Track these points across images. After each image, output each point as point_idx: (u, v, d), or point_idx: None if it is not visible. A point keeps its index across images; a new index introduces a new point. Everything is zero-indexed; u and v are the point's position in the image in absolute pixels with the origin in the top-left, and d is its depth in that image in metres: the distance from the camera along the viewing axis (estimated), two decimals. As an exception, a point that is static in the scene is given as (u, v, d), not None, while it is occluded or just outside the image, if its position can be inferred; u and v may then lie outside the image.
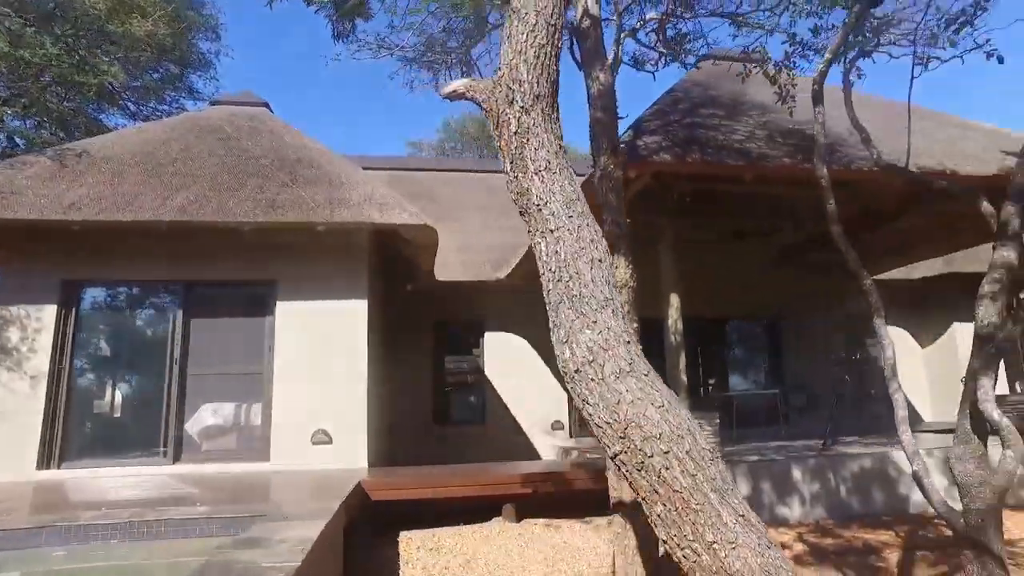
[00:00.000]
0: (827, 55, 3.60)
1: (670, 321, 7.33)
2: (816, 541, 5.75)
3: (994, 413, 2.77)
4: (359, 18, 4.81)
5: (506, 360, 11.80)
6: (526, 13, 1.84)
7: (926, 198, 7.44)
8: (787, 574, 1.25)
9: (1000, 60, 3.78)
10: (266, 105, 10.66)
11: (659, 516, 1.32)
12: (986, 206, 3.45)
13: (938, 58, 4.01)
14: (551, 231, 1.63)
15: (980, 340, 2.99)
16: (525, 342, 12.02)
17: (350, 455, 7.66)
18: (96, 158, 8.14)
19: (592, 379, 1.44)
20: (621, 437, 1.36)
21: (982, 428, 3.10)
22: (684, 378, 7.15)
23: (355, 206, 7.75)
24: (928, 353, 12.49)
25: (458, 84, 1.91)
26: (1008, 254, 3.11)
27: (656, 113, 7.43)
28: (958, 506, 6.91)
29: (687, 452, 1.32)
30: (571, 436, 11.86)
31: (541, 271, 1.64)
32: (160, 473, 7.28)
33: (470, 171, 15.75)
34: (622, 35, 4.63)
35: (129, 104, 13.34)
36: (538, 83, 1.74)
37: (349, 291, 8.16)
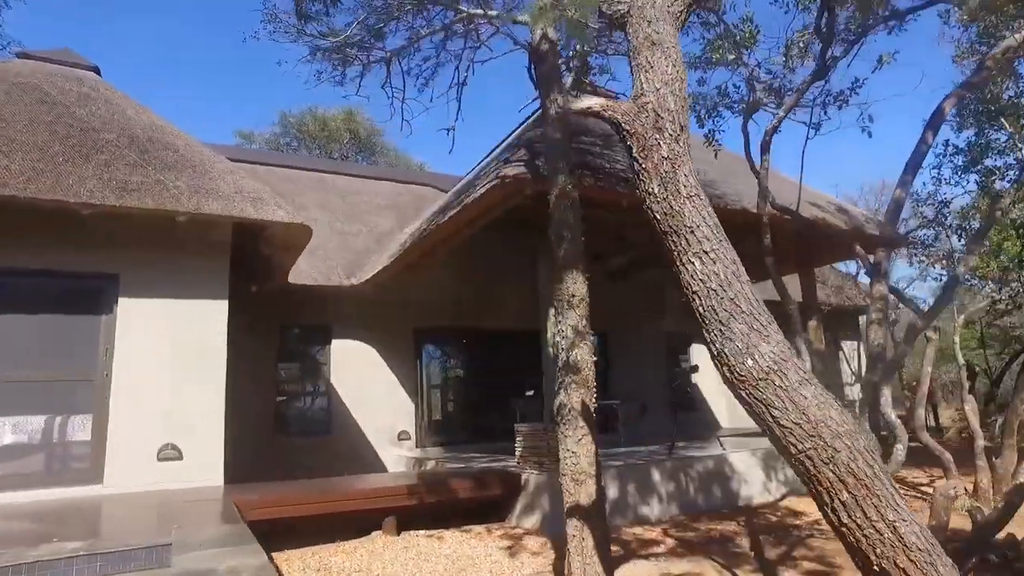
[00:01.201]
0: (780, 113, 4.24)
1: (548, 335, 7.72)
2: (680, 535, 6.46)
3: (892, 416, 3.49)
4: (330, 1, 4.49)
5: (354, 368, 11.42)
6: (667, 47, 1.99)
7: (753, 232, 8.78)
8: (935, 542, 1.55)
9: (869, 135, 4.80)
10: (95, 70, 9.23)
11: (842, 503, 1.55)
12: (859, 249, 4.30)
13: (835, 112, 4.91)
14: (705, 252, 1.79)
15: (873, 359, 3.74)
16: (373, 350, 11.73)
17: (204, 472, 6.90)
18: None
19: (779, 386, 1.63)
20: (811, 435, 1.58)
21: (875, 427, 3.85)
22: (561, 388, 7.58)
23: (226, 198, 7.05)
24: (726, 368, 14.58)
25: (593, 102, 1.99)
26: (882, 288, 3.93)
27: (543, 135, 7.82)
28: (767, 496, 8.06)
29: (863, 447, 1.57)
30: (417, 446, 11.80)
31: (693, 287, 1.79)
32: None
33: (313, 170, 15.00)
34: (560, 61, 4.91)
35: None
36: (681, 114, 1.90)
37: (208, 290, 7.38)
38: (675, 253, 1.84)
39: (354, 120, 22.72)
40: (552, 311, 7.87)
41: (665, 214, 1.85)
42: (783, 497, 8.06)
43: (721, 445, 8.50)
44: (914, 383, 13.49)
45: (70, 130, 7.16)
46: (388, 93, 6.21)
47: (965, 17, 6.77)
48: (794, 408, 1.60)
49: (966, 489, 7.74)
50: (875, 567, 1.54)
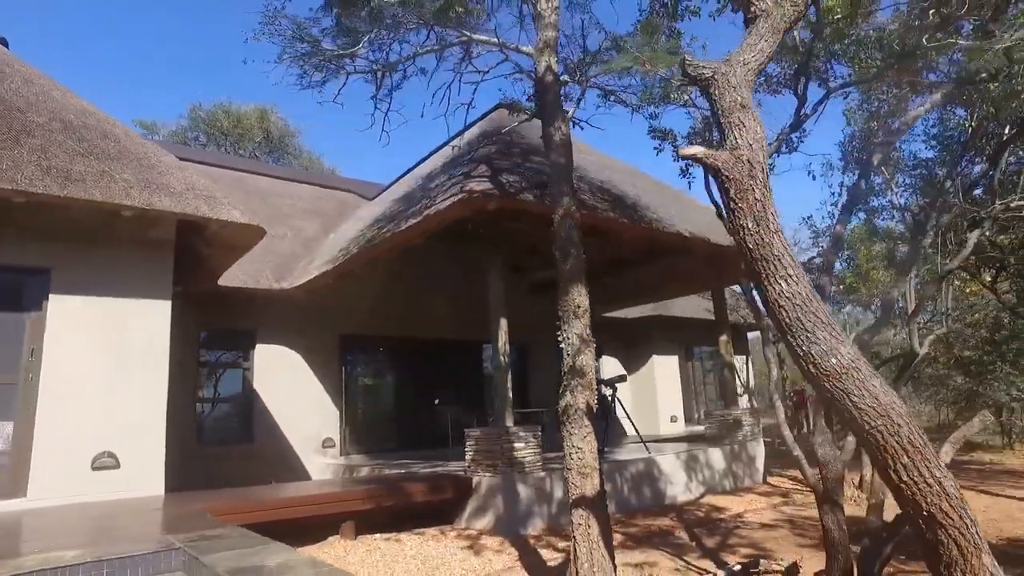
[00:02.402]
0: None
1: (500, 343, 8.08)
2: (624, 530, 7.00)
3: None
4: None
5: (279, 374, 11.14)
6: (751, 110, 2.47)
7: (682, 253, 9.65)
8: (962, 493, 2.10)
9: (813, 177, 5.61)
10: (3, 42, 8.52)
11: (903, 465, 2.06)
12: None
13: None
14: (790, 276, 2.27)
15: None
16: (299, 356, 11.50)
17: (144, 480, 6.58)
18: None
19: (856, 379, 2.13)
20: (881, 415, 2.09)
21: (830, 425, 4.56)
22: (510, 395, 7.96)
23: (178, 195, 6.82)
24: (633, 378, 15.58)
25: (697, 150, 2.40)
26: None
27: (499, 153, 8.21)
28: (689, 495, 8.79)
29: (914, 424, 2.10)
30: (341, 454, 11.67)
31: (780, 303, 2.25)
32: None
33: (231, 169, 14.43)
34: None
35: None
36: (765, 164, 2.37)
37: (150, 288, 7.09)
38: (763, 276, 2.31)
39: (268, 119, 21.82)
40: (503, 321, 8.26)
41: (757, 244, 2.31)
42: (702, 495, 8.88)
43: (647, 449, 9.21)
44: (792, 392, 15.14)
45: (-8, 109, 6.62)
46: (374, 104, 6.35)
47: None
48: (868, 395, 2.11)
49: (853, 482, 8.98)
50: (924, 512, 2.08)
